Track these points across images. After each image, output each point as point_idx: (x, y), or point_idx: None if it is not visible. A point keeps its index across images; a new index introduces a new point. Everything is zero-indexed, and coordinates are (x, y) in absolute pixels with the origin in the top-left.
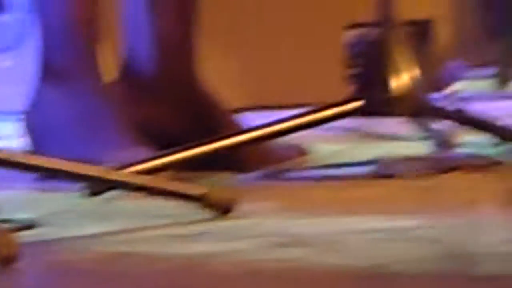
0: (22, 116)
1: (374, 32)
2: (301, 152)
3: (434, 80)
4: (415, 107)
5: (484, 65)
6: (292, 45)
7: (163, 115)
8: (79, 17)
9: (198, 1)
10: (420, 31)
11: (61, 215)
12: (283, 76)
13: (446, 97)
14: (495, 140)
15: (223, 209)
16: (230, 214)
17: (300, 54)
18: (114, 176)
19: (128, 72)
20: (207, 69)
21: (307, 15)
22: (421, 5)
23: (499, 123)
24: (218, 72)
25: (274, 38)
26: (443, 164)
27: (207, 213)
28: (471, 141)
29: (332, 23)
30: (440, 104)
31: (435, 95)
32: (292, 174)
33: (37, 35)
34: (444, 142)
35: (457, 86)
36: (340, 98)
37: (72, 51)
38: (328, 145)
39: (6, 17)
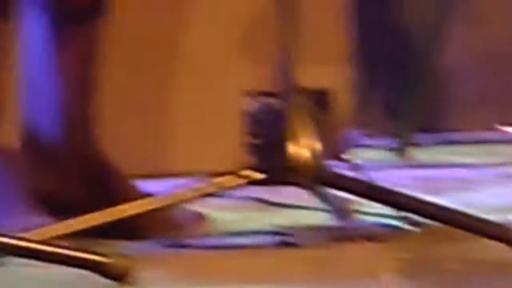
0: None
1: (274, 100)
2: (201, 219)
3: (333, 148)
4: (315, 176)
5: (383, 134)
6: (191, 112)
7: (63, 184)
8: None
9: (97, 70)
10: (319, 100)
11: None
12: (180, 142)
13: (345, 165)
14: (395, 209)
15: (121, 278)
16: (127, 283)
17: (199, 121)
18: (12, 242)
19: (29, 140)
20: (107, 134)
21: (206, 81)
22: (321, 75)
23: (398, 192)
24: (117, 138)
25: (171, 103)
26: (343, 234)
27: (104, 281)
28: (371, 211)
29: (231, 90)
30: (339, 172)
31: (334, 163)
32: (192, 242)
33: None
34: (344, 211)
35: (355, 154)
36: (238, 166)
37: None
38: (227, 213)
39: None
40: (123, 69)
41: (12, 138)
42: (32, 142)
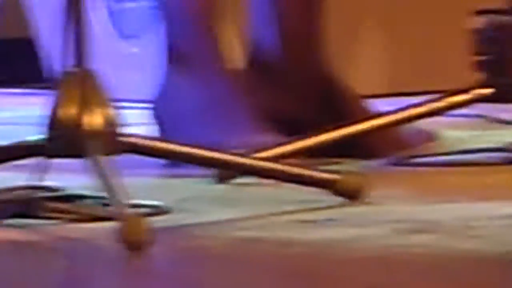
0: (150, 103)
1: (504, 18)
2: (430, 137)
3: None
4: None
5: None
6: (421, 32)
7: (291, 102)
8: (202, 3)
9: None
10: None
11: (192, 201)
12: (412, 63)
13: None
14: None
15: (353, 195)
16: (359, 200)
17: (429, 41)
18: (244, 161)
19: (255, 58)
20: (338, 54)
21: (435, 1)
22: None
23: None
24: (348, 58)
25: (402, 23)
26: None
27: (336, 199)
28: None
29: (459, 9)
30: None
31: None
32: (422, 160)
33: (162, 22)
34: None
35: None
36: (467, 84)
37: (197, 37)
38: (455, 131)
39: (131, 4)
40: None
41: (239, 57)
42: (257, 60)
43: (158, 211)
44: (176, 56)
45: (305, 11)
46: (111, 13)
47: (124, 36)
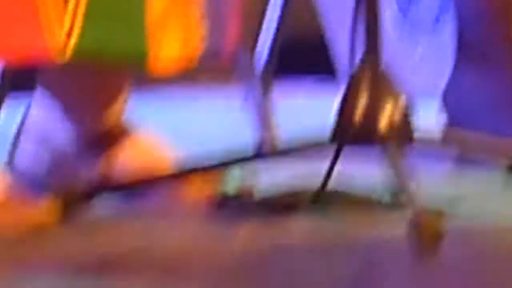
0: (439, 97)
1: None
2: None
3: None
4: None
5: None
6: None
7: None
8: None
9: None
10: None
11: (483, 197)
12: None
13: None
14: None
15: None
16: None
17: None
18: None
19: None
20: None
21: None
22: None
23: None
24: None
25: None
26: None
27: None
28: None
29: None
30: None
31: None
32: None
33: (453, 16)
34: None
35: None
36: None
37: (490, 24)
38: None
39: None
40: None
41: None
42: None
43: (448, 204)
44: (466, 48)
45: None
46: (401, 7)
47: (412, 31)
